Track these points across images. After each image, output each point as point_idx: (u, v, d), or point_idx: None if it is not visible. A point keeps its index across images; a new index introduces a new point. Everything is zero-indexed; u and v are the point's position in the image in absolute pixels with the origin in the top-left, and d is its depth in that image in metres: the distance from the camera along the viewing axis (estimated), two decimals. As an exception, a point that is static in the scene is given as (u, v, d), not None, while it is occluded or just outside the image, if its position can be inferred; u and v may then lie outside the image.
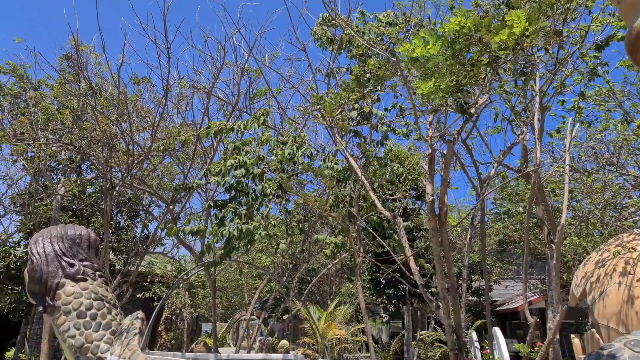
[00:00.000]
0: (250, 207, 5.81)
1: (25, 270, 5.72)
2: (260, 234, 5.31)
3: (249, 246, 5.51)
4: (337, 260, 11.61)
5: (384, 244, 6.12)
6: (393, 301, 11.05)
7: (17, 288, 12.61)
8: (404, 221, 9.60)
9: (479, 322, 17.30)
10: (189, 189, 7.11)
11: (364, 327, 15.71)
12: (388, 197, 8.01)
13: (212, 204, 5.82)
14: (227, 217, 5.63)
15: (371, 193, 5.62)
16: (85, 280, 5.66)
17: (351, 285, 20.46)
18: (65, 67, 12.77)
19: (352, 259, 11.79)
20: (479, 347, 14.02)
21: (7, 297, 12.59)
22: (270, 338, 15.20)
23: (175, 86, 9.56)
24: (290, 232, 9.74)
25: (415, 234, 10.97)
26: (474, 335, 14.49)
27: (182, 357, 6.68)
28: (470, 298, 18.12)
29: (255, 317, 18.78)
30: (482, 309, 19.06)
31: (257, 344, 14.37)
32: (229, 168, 5.52)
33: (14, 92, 10.55)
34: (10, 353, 14.14)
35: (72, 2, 10.03)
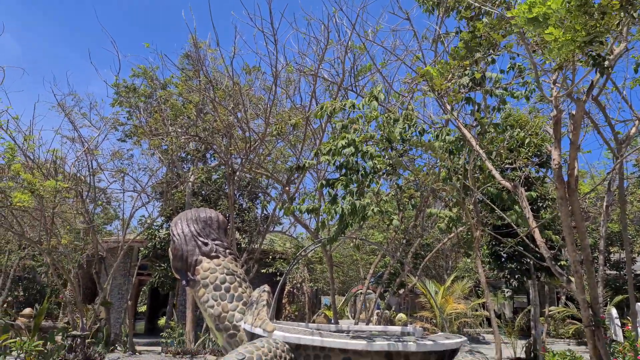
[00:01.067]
0: (361, 184, 5.88)
1: (169, 249, 6.51)
2: (372, 210, 5.36)
3: (361, 222, 5.61)
4: (452, 234, 11.27)
5: (504, 216, 5.78)
6: (516, 275, 10.41)
7: (163, 265, 14.43)
8: (526, 191, 8.94)
9: (619, 297, 15.58)
10: (301, 170, 7.41)
11: (484, 302, 15.10)
12: (507, 166, 7.50)
13: (324, 182, 6.00)
14: (339, 195, 5.77)
15: (488, 163, 5.32)
16: (218, 257, 6.27)
17: (469, 260, 19.73)
18: (185, 65, 14.02)
19: (469, 233, 11.35)
20: (619, 324, 12.66)
21: (156, 273, 14.49)
22: (387, 311, 15.38)
23: (283, 71, 9.94)
24: (402, 208, 9.68)
25: (540, 204, 10.13)
26: (614, 311, 13.10)
27: (306, 327, 7.11)
28: (608, 272, 16.35)
29: (371, 292, 19.14)
30: (623, 284, 17.08)
31: (375, 317, 14.67)
32: (338, 147, 5.63)
33: (146, 92, 11.91)
34: (162, 320, 16.36)
35: (188, 3, 10.89)
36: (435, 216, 10.02)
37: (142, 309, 28.03)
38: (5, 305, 18.02)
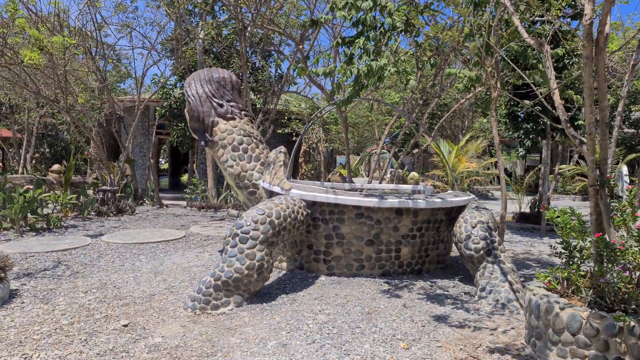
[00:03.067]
0: (379, 42, 5.56)
1: (185, 110, 6.55)
2: (389, 70, 5.16)
3: (378, 83, 5.45)
4: (470, 94, 11.00)
5: (524, 76, 5.52)
6: (531, 136, 10.39)
7: (180, 125, 14.69)
8: (552, 48, 8.38)
9: (632, 155, 15.75)
10: (315, 25, 6.98)
11: (496, 161, 15.42)
12: (537, 19, 6.91)
13: (339, 41, 5.69)
14: (356, 55, 5.51)
15: (514, 18, 4.89)
16: (234, 118, 6.32)
17: (485, 120, 19.62)
18: None
19: (487, 93, 11.05)
20: (628, 181, 13.02)
21: (175, 133, 14.84)
22: (400, 171, 15.90)
23: None
24: (420, 67, 9.30)
25: (567, 61, 9.58)
26: (625, 169, 13.36)
27: (321, 186, 7.47)
28: (626, 130, 16.23)
29: (385, 151, 19.57)
30: (639, 142, 17.12)
31: (388, 175, 15.25)
32: (356, 1, 5.19)
33: None
34: (184, 177, 17.29)
35: None
36: (454, 76, 9.66)
37: (164, 166, 29.46)
38: (33, 161, 19.06)
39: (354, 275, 5.68)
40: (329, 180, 14.64)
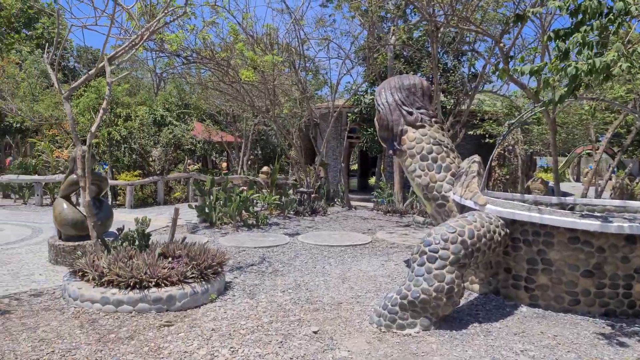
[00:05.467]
0: (604, 30, 4.58)
1: (375, 119, 6.57)
2: (620, 67, 4.19)
3: (602, 83, 4.51)
4: None
5: None
6: None
7: (369, 129, 15.08)
8: None
9: None
10: (521, 20, 6.19)
11: None
12: None
13: (552, 35, 4.89)
14: (573, 49, 4.65)
15: None
16: (423, 126, 6.06)
17: None
18: None
19: None
20: None
21: (364, 137, 15.30)
22: (627, 181, 13.08)
23: None
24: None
25: None
26: None
27: (521, 200, 6.62)
28: None
29: (604, 153, 16.52)
30: None
31: (606, 182, 12.75)
32: (575, -14, 4.36)
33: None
34: (372, 180, 17.72)
35: None
36: None
37: (354, 167, 30.88)
38: (249, 162, 22.08)
39: (565, 310, 4.81)
40: (527, 188, 13.08)
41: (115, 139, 13.68)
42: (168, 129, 15.61)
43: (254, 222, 10.04)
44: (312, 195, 12.87)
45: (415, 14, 14.65)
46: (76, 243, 6.35)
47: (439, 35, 11.22)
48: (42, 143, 16.59)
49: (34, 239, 8.18)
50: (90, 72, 5.59)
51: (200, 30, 9.86)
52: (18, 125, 17.77)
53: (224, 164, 24.59)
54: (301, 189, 12.75)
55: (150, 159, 14.59)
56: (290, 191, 12.96)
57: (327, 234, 9.22)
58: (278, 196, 11.81)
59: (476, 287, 5.50)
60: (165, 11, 5.85)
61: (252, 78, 9.84)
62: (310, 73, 15.98)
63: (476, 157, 5.95)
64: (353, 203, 14.29)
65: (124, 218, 9.63)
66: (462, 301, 5.08)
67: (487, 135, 15.39)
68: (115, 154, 14.02)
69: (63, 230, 6.50)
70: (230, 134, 23.08)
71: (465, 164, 5.91)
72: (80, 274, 4.95)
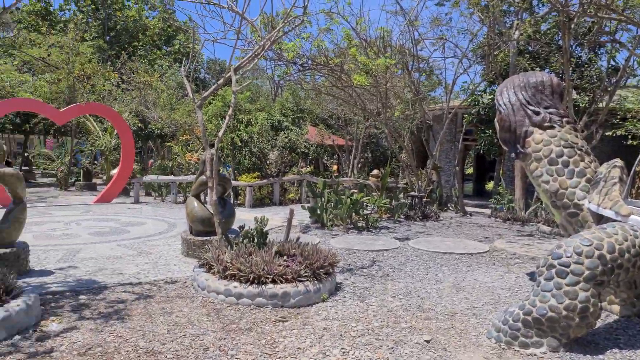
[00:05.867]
0: None
1: (495, 119, 6.15)
2: None
3: None
4: None
5: None
6: None
7: (488, 131, 14.20)
8: None
9: None
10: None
11: None
12: None
13: None
14: None
15: None
16: (552, 127, 5.52)
17: None
18: None
19: None
20: None
21: (482, 140, 14.45)
22: None
23: None
24: None
25: None
26: None
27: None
28: None
29: None
30: None
31: None
32: None
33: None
34: (490, 185, 16.66)
35: None
36: None
37: (469, 171, 29.35)
38: (359, 165, 22.24)
39: None
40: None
41: (237, 143, 14.77)
42: (284, 133, 16.42)
43: (364, 225, 10.06)
44: (424, 200, 12.51)
45: (543, 5, 13.47)
46: (204, 238, 6.98)
47: (572, 26, 10.15)
48: (177, 147, 18.59)
49: (170, 233, 9.18)
50: (218, 82, 6.11)
51: (315, 38, 10.20)
52: (158, 131, 20.13)
53: (335, 167, 25.12)
54: (412, 193, 12.47)
55: (268, 161, 15.47)
56: (401, 195, 12.74)
57: (440, 240, 8.88)
58: (388, 199, 11.70)
59: (616, 308, 4.84)
60: (285, 21, 6.15)
61: (364, 82, 9.90)
62: (424, 74, 15.58)
63: (617, 162, 5.24)
64: (468, 209, 13.58)
65: (244, 217, 10.34)
66: (599, 323, 4.51)
67: (629, 136, 13.53)
68: (237, 157, 15.13)
69: (193, 226, 7.18)
70: (341, 137, 23.50)
71: (604, 169, 5.24)
72: (207, 266, 5.42)
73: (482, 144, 14.54)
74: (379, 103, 12.63)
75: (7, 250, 5.53)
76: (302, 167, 17.21)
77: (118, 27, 28.48)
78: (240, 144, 14.92)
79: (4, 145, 5.85)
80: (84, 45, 20.26)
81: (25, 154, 24.15)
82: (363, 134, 21.25)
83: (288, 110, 21.82)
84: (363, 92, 13.05)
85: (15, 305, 4.00)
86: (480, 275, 6.43)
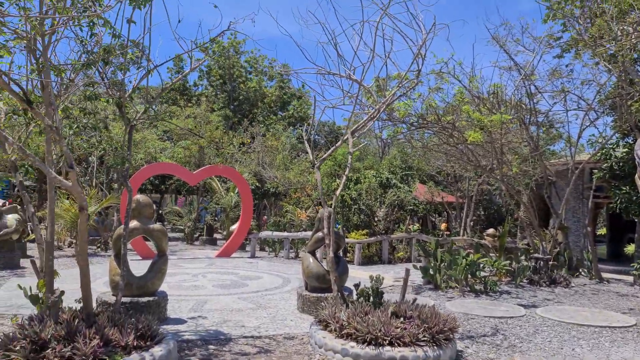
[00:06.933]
0: None
1: (637, 175, 5.56)
2: None
3: None
4: None
5: None
6: None
7: (624, 188, 12.71)
8: None
9: None
10: None
11: None
12: None
13: None
14: None
15: None
16: None
17: None
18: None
19: None
20: None
21: (617, 198, 12.95)
22: None
23: None
24: None
25: None
26: None
27: None
28: None
29: None
30: None
31: None
32: None
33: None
34: (630, 248, 14.64)
35: None
36: None
37: (601, 231, 26.16)
38: (471, 224, 21.16)
39: None
40: None
41: (347, 201, 15.10)
42: (392, 190, 16.43)
43: (482, 288, 9.42)
44: (550, 263, 11.39)
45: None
46: (319, 295, 7.11)
47: None
48: (289, 205, 19.56)
49: (285, 288, 9.51)
50: (337, 145, 6.46)
51: (426, 98, 10.33)
52: (273, 189, 21.46)
53: (444, 225, 24.19)
54: (535, 255, 11.45)
55: (376, 218, 15.49)
56: (522, 257, 11.76)
57: (573, 310, 7.93)
58: (508, 261, 10.87)
59: None
60: (399, 85, 6.39)
61: (479, 139, 9.66)
62: (543, 128, 14.72)
63: None
64: (604, 275, 12.01)
65: (353, 274, 10.35)
66: None
67: None
68: (347, 214, 15.41)
69: (309, 282, 7.37)
70: (450, 194, 22.77)
71: None
72: (324, 323, 5.49)
73: (618, 202, 13.00)
74: (495, 159, 12.14)
75: (151, 298, 6.20)
76: (409, 225, 16.89)
77: (241, 97, 31.74)
78: (350, 201, 15.23)
79: (154, 206, 6.73)
80: (213, 114, 22.89)
81: (160, 211, 27.25)
82: (476, 191, 20.38)
83: (396, 167, 21.90)
84: (475, 147, 12.69)
85: (159, 350, 4.43)
86: (628, 352, 5.57)
